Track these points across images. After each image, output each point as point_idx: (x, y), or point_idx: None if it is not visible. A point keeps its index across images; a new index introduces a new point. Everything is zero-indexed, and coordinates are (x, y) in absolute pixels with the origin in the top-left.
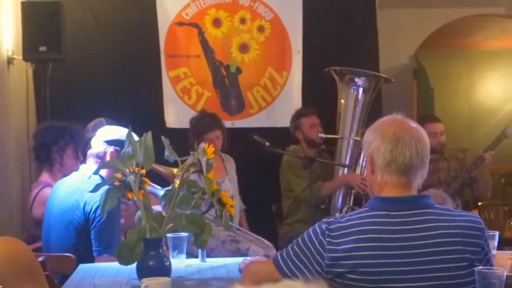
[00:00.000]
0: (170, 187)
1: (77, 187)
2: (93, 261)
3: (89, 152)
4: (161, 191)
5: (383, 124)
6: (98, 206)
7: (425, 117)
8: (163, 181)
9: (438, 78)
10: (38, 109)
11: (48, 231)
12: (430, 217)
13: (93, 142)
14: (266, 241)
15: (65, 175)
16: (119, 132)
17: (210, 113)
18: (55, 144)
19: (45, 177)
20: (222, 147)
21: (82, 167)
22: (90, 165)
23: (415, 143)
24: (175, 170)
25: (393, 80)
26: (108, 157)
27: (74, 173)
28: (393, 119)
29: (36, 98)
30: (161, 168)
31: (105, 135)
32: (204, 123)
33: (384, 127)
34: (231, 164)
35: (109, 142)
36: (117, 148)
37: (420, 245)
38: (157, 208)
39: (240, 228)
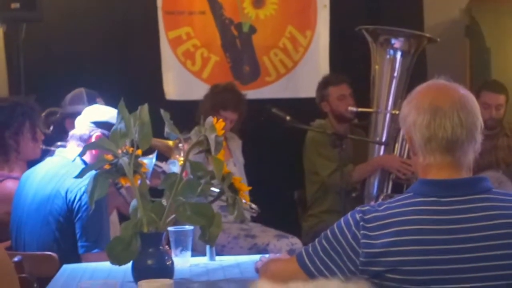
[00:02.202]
0: (153, 157)
1: (55, 172)
2: (78, 261)
3: (72, 133)
4: (145, 160)
5: (418, 93)
6: (84, 193)
7: (486, 84)
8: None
9: (496, 36)
10: (10, 78)
11: (18, 228)
12: (489, 204)
13: (78, 122)
14: (289, 235)
15: (29, 163)
16: (109, 113)
17: (239, 90)
18: (7, 128)
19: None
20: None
21: (59, 151)
22: (72, 148)
23: (457, 111)
24: (170, 143)
25: (438, 39)
26: None
27: (49, 159)
28: (430, 86)
29: (8, 65)
30: (154, 141)
31: (92, 116)
32: (227, 96)
33: (419, 96)
34: (235, 143)
35: (97, 124)
36: (104, 132)
37: (476, 238)
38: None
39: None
